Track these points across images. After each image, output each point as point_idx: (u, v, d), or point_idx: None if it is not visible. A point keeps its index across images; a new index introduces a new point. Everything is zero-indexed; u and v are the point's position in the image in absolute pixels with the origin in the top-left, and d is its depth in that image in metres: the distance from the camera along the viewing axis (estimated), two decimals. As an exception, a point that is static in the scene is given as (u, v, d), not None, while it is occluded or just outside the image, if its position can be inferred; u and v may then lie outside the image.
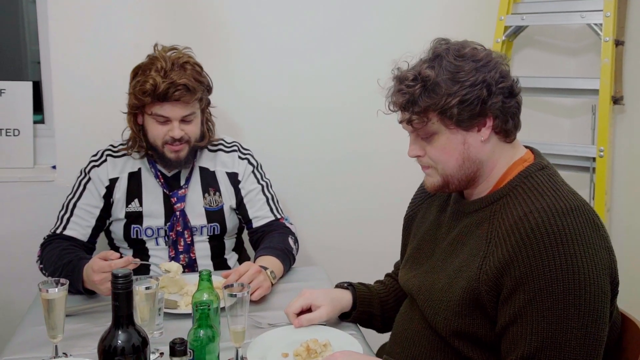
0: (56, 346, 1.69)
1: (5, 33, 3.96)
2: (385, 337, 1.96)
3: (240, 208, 2.47)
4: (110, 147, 2.43)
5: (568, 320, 1.41)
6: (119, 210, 2.37)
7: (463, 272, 1.58)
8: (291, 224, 2.49)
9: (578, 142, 2.94)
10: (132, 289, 1.34)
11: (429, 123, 1.57)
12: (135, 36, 2.72)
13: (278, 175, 2.66)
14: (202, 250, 2.44)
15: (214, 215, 2.43)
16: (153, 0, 2.79)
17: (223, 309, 1.73)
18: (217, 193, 2.44)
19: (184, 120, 2.28)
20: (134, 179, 2.40)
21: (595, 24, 2.78)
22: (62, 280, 1.66)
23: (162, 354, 1.69)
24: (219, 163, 2.47)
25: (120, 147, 2.41)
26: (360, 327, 1.97)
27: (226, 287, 1.69)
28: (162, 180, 2.39)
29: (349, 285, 1.99)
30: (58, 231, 2.31)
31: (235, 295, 1.64)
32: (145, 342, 1.37)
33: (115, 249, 2.44)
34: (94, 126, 2.75)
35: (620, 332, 1.64)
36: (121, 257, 1.99)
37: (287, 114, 2.98)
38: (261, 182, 2.50)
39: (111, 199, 2.37)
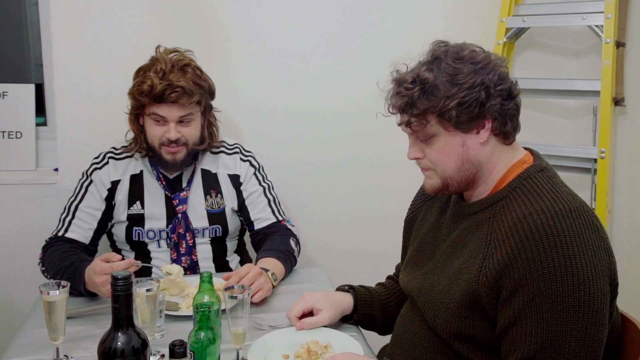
0: (57, 348, 1.69)
1: (8, 35, 3.96)
2: (386, 338, 1.97)
3: (242, 210, 2.48)
4: (112, 150, 2.43)
5: (567, 321, 1.41)
6: (121, 213, 2.38)
7: (463, 274, 1.58)
8: (293, 225, 2.50)
9: (579, 144, 2.94)
10: (132, 291, 1.35)
11: (428, 125, 1.57)
12: (137, 38, 2.72)
13: (279, 176, 2.66)
14: (204, 252, 2.44)
15: (216, 217, 2.43)
16: (154, 2, 2.79)
17: (224, 310, 1.73)
18: (219, 195, 2.44)
19: (181, 122, 2.28)
20: (136, 181, 2.40)
21: (596, 26, 2.78)
22: (63, 282, 1.66)
23: (163, 356, 1.69)
24: (221, 165, 2.47)
25: (123, 149, 2.42)
26: (362, 329, 1.97)
27: (227, 289, 1.69)
28: (164, 183, 2.40)
29: (350, 288, 1.99)
30: (60, 234, 2.31)
31: (236, 297, 1.65)
32: (145, 344, 1.37)
33: (117, 251, 2.44)
34: (96, 128, 2.75)
35: (620, 333, 1.64)
36: (123, 259, 1.99)
37: (288, 116, 2.98)
38: (263, 184, 2.50)
39: (113, 202, 2.38)
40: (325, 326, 1.87)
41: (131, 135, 2.40)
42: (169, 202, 2.39)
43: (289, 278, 2.30)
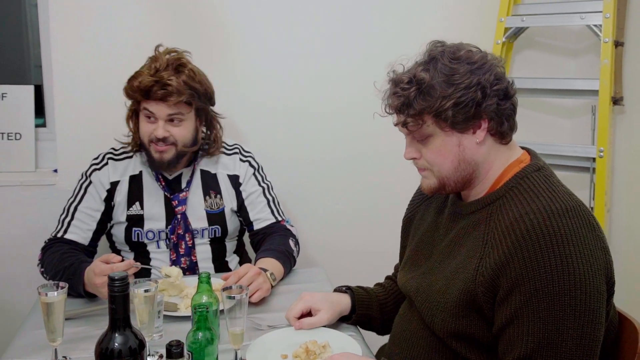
0: (56, 350, 1.69)
1: (8, 37, 3.97)
2: (385, 338, 1.97)
3: (241, 210, 2.48)
4: (112, 151, 2.43)
5: (564, 320, 1.41)
6: (120, 214, 2.38)
7: (460, 274, 1.58)
8: (292, 226, 2.50)
9: (578, 143, 2.95)
10: (129, 292, 1.35)
11: (424, 125, 1.57)
12: (137, 39, 2.72)
13: (279, 176, 2.67)
14: (203, 252, 2.44)
15: (215, 217, 2.44)
16: (154, 3, 2.80)
17: (222, 311, 1.74)
18: (218, 196, 2.44)
19: (171, 121, 2.27)
20: (135, 182, 2.40)
21: (595, 25, 2.78)
22: (62, 283, 1.66)
23: (161, 356, 1.69)
24: (220, 165, 2.48)
25: (122, 150, 2.42)
26: (360, 329, 1.97)
27: (225, 289, 1.69)
28: (163, 183, 2.40)
29: (348, 289, 1.99)
30: (59, 235, 2.31)
31: (234, 298, 1.65)
32: (142, 344, 1.37)
33: (117, 252, 2.44)
34: (96, 129, 2.75)
35: (617, 332, 1.64)
36: (122, 260, 1.99)
37: (288, 116, 2.98)
38: (262, 184, 2.50)
39: (112, 202, 2.38)
40: (323, 326, 1.87)
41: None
42: (168, 202, 2.39)
43: (288, 278, 2.30)
